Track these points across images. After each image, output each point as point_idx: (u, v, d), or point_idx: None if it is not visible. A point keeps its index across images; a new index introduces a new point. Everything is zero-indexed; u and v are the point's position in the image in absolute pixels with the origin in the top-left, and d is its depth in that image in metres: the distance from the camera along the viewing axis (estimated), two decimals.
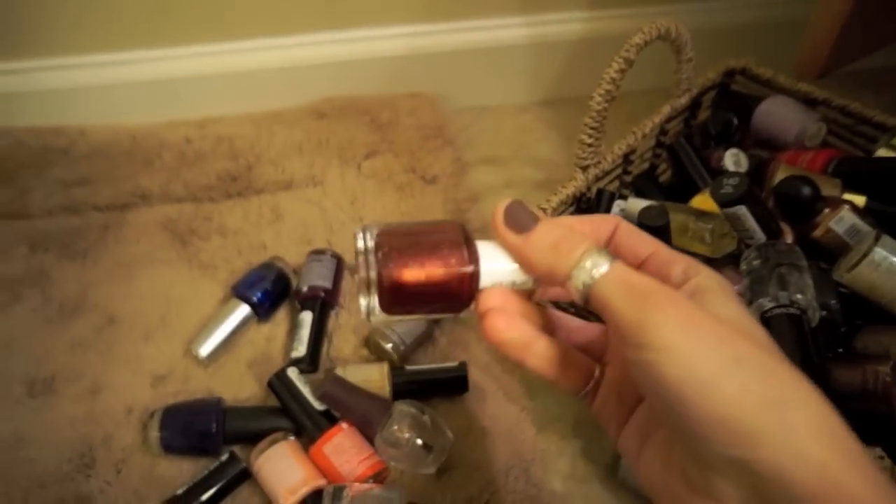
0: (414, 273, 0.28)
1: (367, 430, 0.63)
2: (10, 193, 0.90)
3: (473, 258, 0.29)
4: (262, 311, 0.75)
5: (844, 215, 0.57)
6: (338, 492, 0.56)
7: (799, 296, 0.50)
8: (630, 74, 0.65)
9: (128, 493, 0.63)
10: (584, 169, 0.66)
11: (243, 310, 0.74)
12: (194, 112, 1.01)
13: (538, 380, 0.70)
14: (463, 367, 0.68)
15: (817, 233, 0.58)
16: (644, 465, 0.29)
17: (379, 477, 0.62)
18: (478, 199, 0.92)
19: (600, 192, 0.66)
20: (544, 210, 0.62)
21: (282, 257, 0.79)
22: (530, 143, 1.02)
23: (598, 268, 0.27)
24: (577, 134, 1.02)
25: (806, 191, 0.58)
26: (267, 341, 0.75)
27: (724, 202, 0.56)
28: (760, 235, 0.58)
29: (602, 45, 1.03)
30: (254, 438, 0.64)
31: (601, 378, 0.32)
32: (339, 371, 0.67)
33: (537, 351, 0.30)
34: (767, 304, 0.51)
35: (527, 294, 0.31)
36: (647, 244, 0.30)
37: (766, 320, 0.50)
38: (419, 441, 0.61)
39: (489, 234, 0.90)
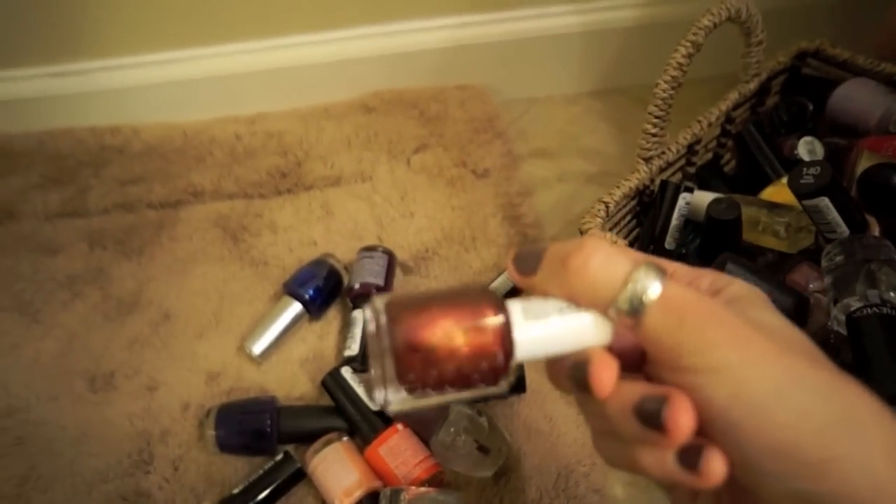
0: (427, 323, 0.23)
1: (423, 432, 0.62)
2: (71, 191, 0.92)
3: (499, 306, 0.23)
4: (314, 308, 0.74)
5: None
6: (395, 495, 0.55)
7: (892, 294, 0.46)
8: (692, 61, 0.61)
9: (185, 490, 0.64)
10: (648, 160, 0.62)
11: (295, 307, 0.73)
12: (244, 108, 1.01)
13: None
14: (520, 367, 0.66)
15: None
16: None
17: (435, 480, 0.60)
18: (530, 192, 0.89)
19: (664, 183, 0.63)
20: (606, 204, 0.59)
21: (333, 254, 0.78)
22: (581, 134, 0.99)
23: (648, 290, 0.23)
24: (630, 125, 0.99)
25: (895, 179, 0.54)
26: (319, 339, 0.75)
27: (805, 193, 0.53)
28: (844, 229, 0.54)
29: (654, 32, 0.99)
30: (308, 438, 0.63)
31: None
32: None
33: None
34: (855, 303, 0.48)
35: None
36: (666, 263, 0.26)
37: (855, 321, 0.46)
38: (476, 444, 0.59)
39: (542, 228, 0.86)
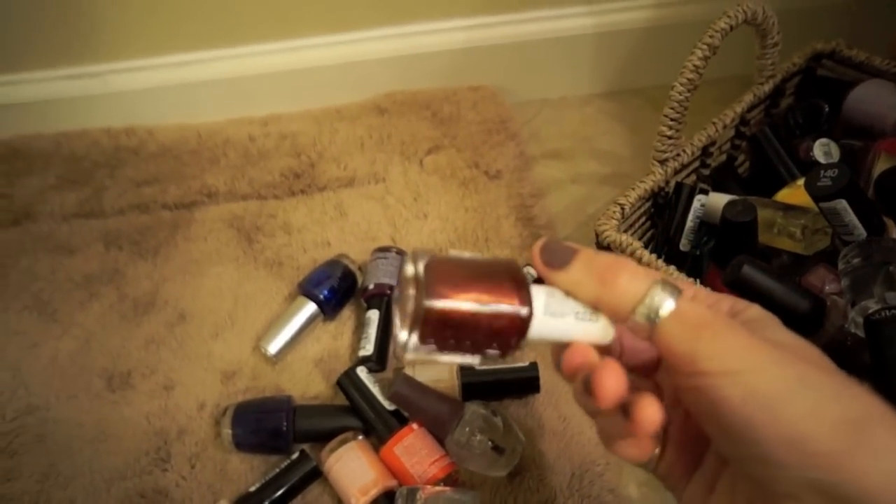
0: (460, 299, 0.25)
1: (438, 431, 0.62)
2: (87, 192, 0.93)
3: (526, 299, 0.26)
4: (329, 308, 0.74)
5: None
6: (411, 493, 0.55)
7: None
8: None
9: (202, 488, 0.64)
10: (663, 162, 0.63)
11: (310, 308, 0.74)
12: (257, 109, 1.02)
13: None
14: (534, 367, 0.66)
15: None
16: None
17: (450, 479, 0.60)
18: (543, 194, 0.89)
19: (679, 186, 0.63)
20: (622, 206, 0.59)
21: (347, 254, 0.78)
22: (595, 135, 0.99)
23: (663, 305, 0.25)
24: (643, 126, 0.99)
25: None
26: (333, 339, 0.75)
27: (823, 195, 0.53)
28: (861, 231, 0.53)
29: (666, 33, 0.99)
30: (323, 437, 0.64)
31: (666, 440, 0.30)
32: (409, 370, 0.66)
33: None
34: (873, 305, 0.48)
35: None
36: (686, 288, 0.28)
37: (873, 323, 0.46)
38: (491, 443, 0.59)
39: (555, 229, 0.86)
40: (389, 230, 0.85)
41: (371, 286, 0.74)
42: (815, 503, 0.22)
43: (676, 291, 0.25)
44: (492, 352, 0.26)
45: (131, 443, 0.68)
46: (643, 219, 0.67)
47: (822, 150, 0.66)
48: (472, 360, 0.27)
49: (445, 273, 0.25)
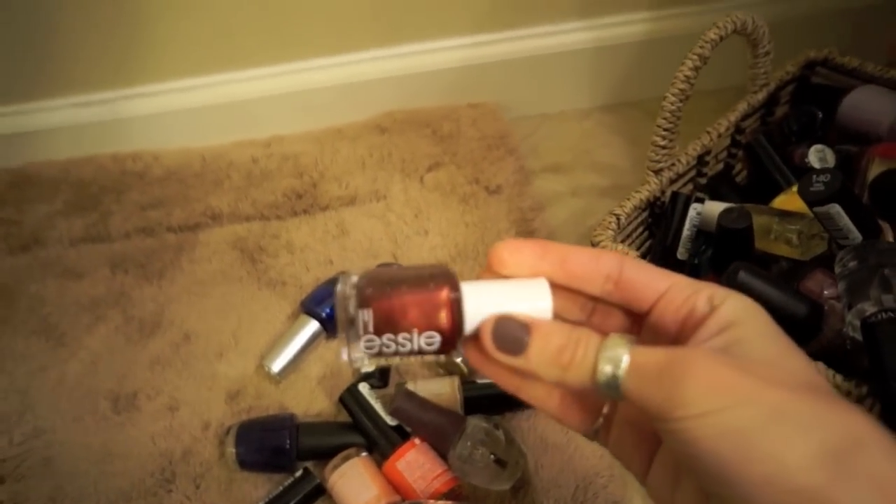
0: (392, 301, 0.26)
1: (440, 446, 0.62)
2: (93, 217, 0.94)
3: (455, 286, 0.27)
4: (331, 326, 0.75)
5: None
6: None
7: None
8: (701, 74, 0.62)
9: None
10: (657, 172, 0.63)
11: (312, 326, 0.74)
12: (260, 131, 1.03)
13: None
14: None
15: None
16: None
17: (453, 494, 0.60)
18: (543, 207, 0.90)
19: (675, 195, 0.63)
20: (617, 217, 0.60)
21: (350, 272, 0.79)
22: (594, 149, 1.00)
23: (619, 364, 0.24)
24: (642, 138, 0.99)
25: None
26: (336, 356, 0.75)
27: (816, 200, 0.53)
28: (856, 235, 0.53)
29: (663, 46, 1.00)
30: (327, 454, 0.64)
31: (612, 413, 0.29)
32: (410, 385, 0.66)
33: (532, 383, 0.28)
34: (870, 308, 0.47)
35: None
36: (662, 277, 0.27)
37: (870, 326, 0.46)
38: (493, 457, 0.59)
39: (557, 241, 0.88)
40: (391, 247, 0.86)
41: None
42: None
43: (628, 343, 0.25)
44: (433, 344, 0.27)
45: (137, 464, 0.68)
46: (640, 229, 0.67)
47: (818, 156, 0.66)
48: (421, 357, 0.27)
49: (375, 279, 0.27)
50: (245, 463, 0.65)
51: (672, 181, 0.66)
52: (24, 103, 1.00)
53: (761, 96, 0.72)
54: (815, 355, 0.50)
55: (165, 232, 0.92)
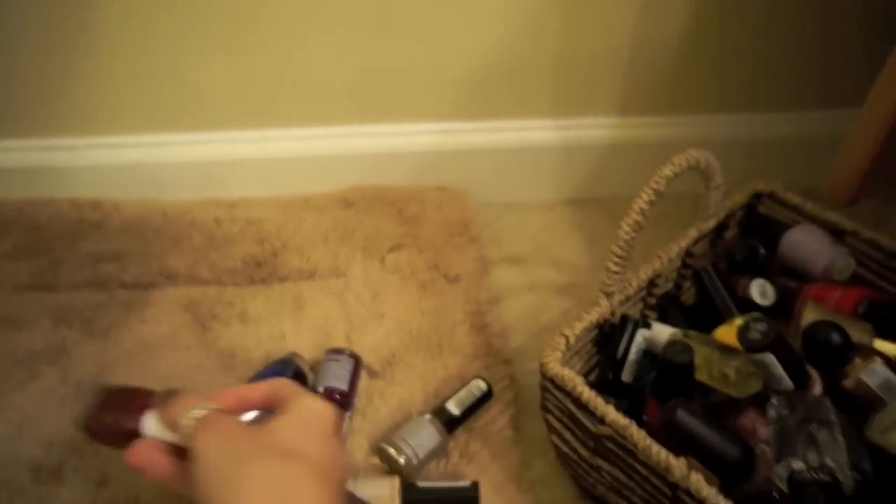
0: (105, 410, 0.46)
1: None
2: (42, 264, 0.92)
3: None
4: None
5: (876, 368, 0.56)
6: None
7: (829, 461, 0.48)
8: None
9: None
10: (609, 295, 0.66)
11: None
12: (227, 192, 1.03)
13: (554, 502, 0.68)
14: (475, 487, 0.66)
15: (848, 383, 0.57)
16: None
17: None
18: (499, 300, 0.92)
19: (623, 319, 0.66)
20: (567, 338, 0.62)
21: (300, 354, 0.79)
22: (554, 243, 1.03)
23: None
24: (602, 237, 1.03)
25: (835, 338, 0.57)
26: None
27: (752, 348, 0.56)
28: (788, 382, 0.56)
29: (629, 150, 1.05)
30: None
31: None
32: (350, 485, 0.65)
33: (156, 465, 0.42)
34: (796, 464, 0.50)
35: None
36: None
37: (796, 485, 0.48)
38: None
39: (509, 337, 0.89)
40: (345, 328, 0.86)
41: (321, 389, 0.74)
42: None
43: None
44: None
45: None
46: (589, 345, 0.69)
47: (759, 291, 0.70)
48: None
49: (103, 392, 0.48)
50: None
51: (622, 302, 0.68)
52: None
53: (711, 223, 0.76)
54: (745, 500, 0.52)
55: (117, 287, 0.90)
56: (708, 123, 1.05)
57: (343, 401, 0.74)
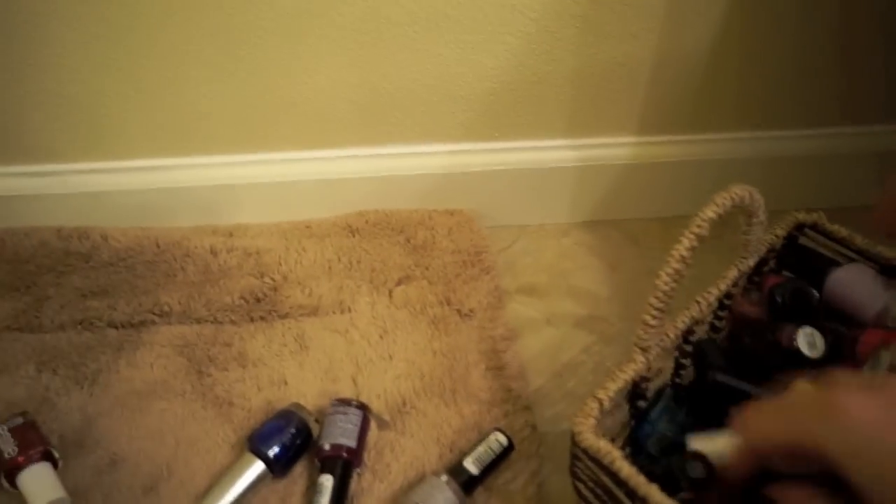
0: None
1: None
2: (26, 302, 0.86)
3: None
4: (279, 468, 0.68)
5: None
6: None
7: None
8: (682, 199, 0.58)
9: None
10: (645, 350, 0.59)
11: (258, 467, 0.67)
12: (224, 219, 0.97)
13: None
14: None
15: None
16: None
17: None
18: (516, 336, 0.85)
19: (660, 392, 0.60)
20: (601, 402, 0.55)
21: (302, 405, 0.72)
22: (572, 270, 0.97)
23: None
24: (621, 263, 0.97)
25: None
26: (281, 501, 0.68)
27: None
28: None
29: (647, 170, 0.99)
30: None
31: None
32: None
33: None
34: None
35: None
36: None
37: None
38: None
39: (527, 380, 0.83)
40: (351, 370, 0.80)
41: (327, 447, 0.68)
42: None
43: None
44: None
45: None
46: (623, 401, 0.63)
47: (806, 341, 0.63)
48: None
49: None
50: None
51: (658, 355, 0.62)
52: None
53: (751, 262, 0.70)
54: None
55: (106, 327, 0.84)
56: (729, 141, 0.99)
57: (351, 458, 0.68)
